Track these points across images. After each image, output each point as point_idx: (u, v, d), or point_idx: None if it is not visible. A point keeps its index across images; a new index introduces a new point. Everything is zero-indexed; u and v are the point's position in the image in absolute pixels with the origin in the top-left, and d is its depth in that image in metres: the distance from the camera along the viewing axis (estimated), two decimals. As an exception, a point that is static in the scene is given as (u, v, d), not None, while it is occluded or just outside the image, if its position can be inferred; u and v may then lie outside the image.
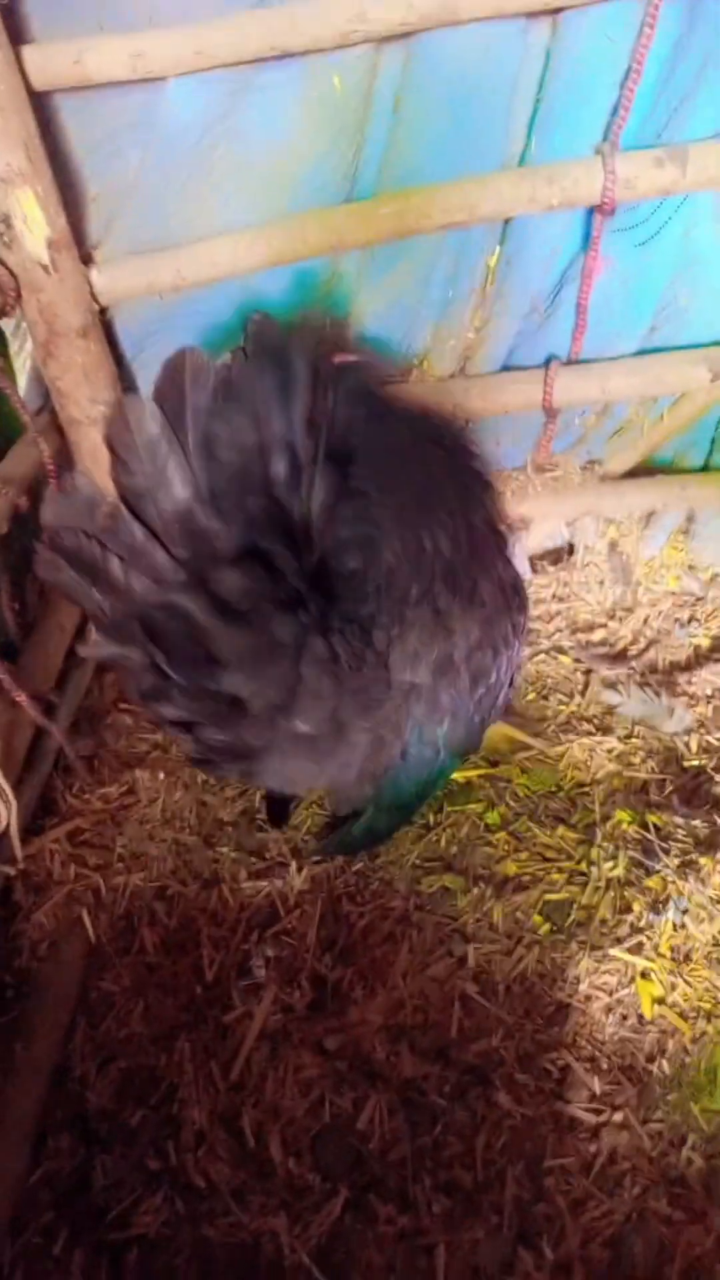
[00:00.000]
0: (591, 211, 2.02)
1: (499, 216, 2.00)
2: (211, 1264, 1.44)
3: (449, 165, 1.99)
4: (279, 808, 1.94)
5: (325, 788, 1.71)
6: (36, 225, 1.83)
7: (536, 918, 1.77)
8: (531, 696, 2.21)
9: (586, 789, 1.99)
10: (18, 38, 1.74)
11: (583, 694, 2.19)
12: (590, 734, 2.10)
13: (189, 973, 1.77)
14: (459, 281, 2.15)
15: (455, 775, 2.03)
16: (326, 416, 1.45)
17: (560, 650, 2.30)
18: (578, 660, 2.27)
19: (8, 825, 1.72)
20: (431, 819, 1.96)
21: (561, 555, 2.52)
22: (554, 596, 2.42)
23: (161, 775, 2.09)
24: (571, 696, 2.20)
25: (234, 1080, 1.62)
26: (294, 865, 1.89)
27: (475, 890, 1.82)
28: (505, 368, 2.29)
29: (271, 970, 1.75)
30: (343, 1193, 1.48)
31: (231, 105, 1.88)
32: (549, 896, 1.80)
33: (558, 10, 1.79)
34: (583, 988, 1.66)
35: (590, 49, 1.85)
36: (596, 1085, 1.55)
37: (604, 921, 1.74)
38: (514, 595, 1.68)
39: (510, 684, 1.69)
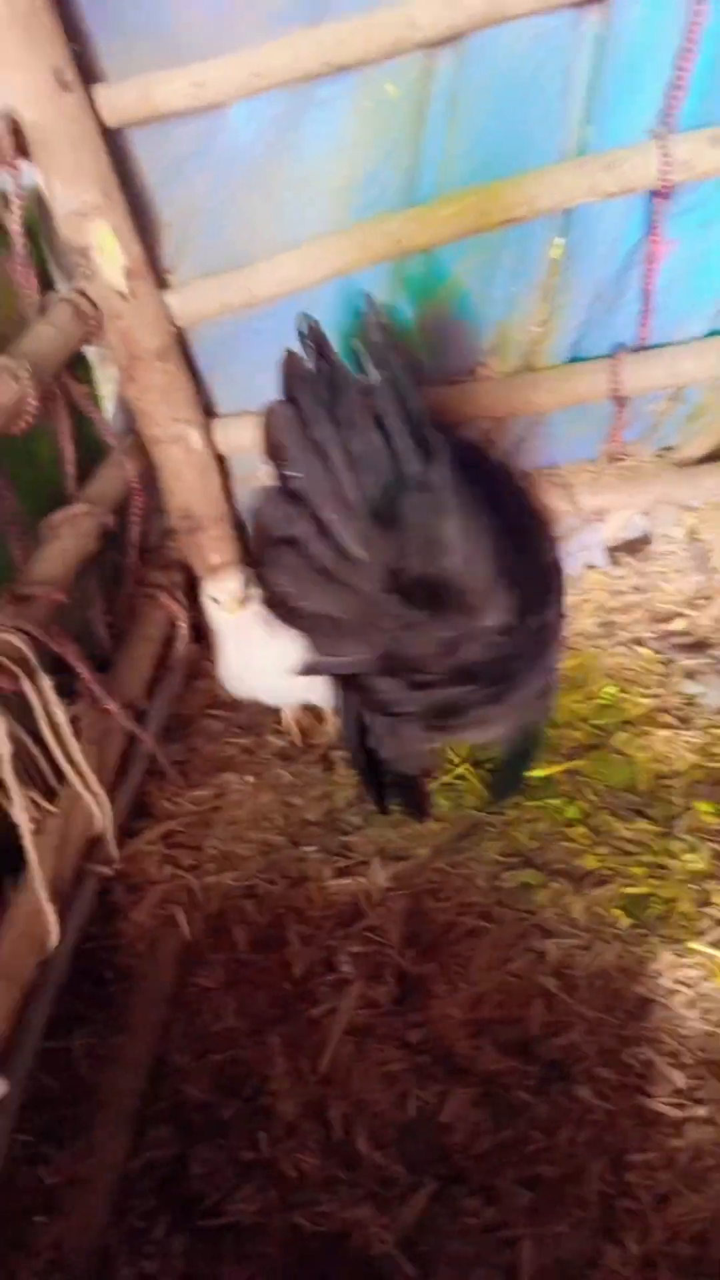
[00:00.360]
0: (652, 195, 1.99)
1: (558, 208, 1.99)
2: (303, 1251, 1.48)
3: (507, 161, 1.99)
4: (415, 795, 1.91)
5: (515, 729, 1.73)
6: (113, 255, 1.92)
7: (616, 911, 1.76)
8: (611, 689, 2.19)
9: (667, 781, 1.97)
10: (89, 78, 1.84)
11: (663, 686, 2.17)
12: (670, 726, 2.08)
13: (278, 969, 1.83)
14: (522, 276, 2.14)
15: (537, 771, 2.04)
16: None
17: (639, 642, 2.28)
18: (657, 651, 2.24)
19: (103, 828, 1.81)
20: (510, 814, 1.98)
21: (639, 546, 2.49)
22: (633, 588, 2.40)
23: (249, 778, 2.16)
24: (651, 689, 2.17)
25: (322, 1074, 1.67)
26: (377, 863, 1.93)
27: (554, 885, 1.82)
28: (572, 359, 2.27)
29: (357, 966, 1.80)
30: (428, 1185, 1.51)
31: (290, 123, 1.93)
32: (629, 890, 1.79)
33: (610, -4, 1.78)
34: (664, 982, 1.65)
35: (642, 31, 1.83)
36: (680, 1080, 1.54)
37: (685, 915, 1.73)
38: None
39: None
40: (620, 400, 2.27)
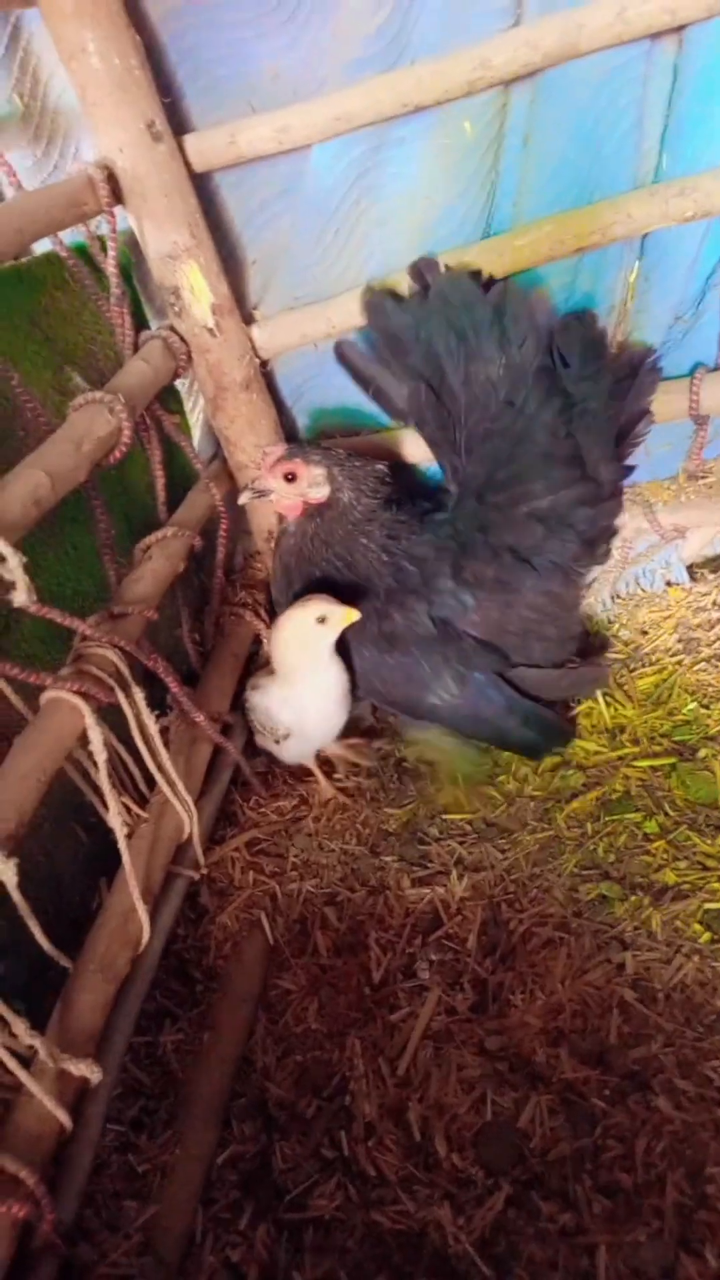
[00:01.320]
0: (730, 218, 2.02)
1: (633, 235, 2.04)
2: (382, 1247, 1.52)
3: (582, 190, 2.05)
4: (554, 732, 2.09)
5: None
6: (202, 294, 2.04)
7: (696, 926, 1.76)
8: (692, 706, 2.19)
9: (751, 797, 1.96)
10: (179, 128, 1.96)
11: (746, 700, 2.16)
12: (755, 741, 2.06)
13: (358, 974, 1.87)
14: (599, 301, 2.19)
15: (617, 786, 2.06)
16: None
17: (721, 659, 2.28)
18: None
19: (190, 833, 1.89)
20: (589, 827, 1.99)
21: (722, 563, 2.48)
22: (714, 604, 2.39)
23: (330, 789, 2.23)
24: (734, 703, 2.16)
25: (401, 1076, 1.70)
26: (454, 874, 1.97)
27: (633, 898, 1.83)
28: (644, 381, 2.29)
29: (435, 973, 1.83)
30: (505, 1188, 1.53)
31: (369, 163, 2.03)
32: (709, 906, 1.78)
33: (681, 27, 1.82)
34: (745, 997, 1.64)
35: (717, 60, 1.86)
36: (760, 1094, 1.53)
37: (766, 931, 1.72)
38: None
39: None
40: (700, 419, 2.29)
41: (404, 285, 2.11)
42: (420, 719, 2.07)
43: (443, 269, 2.05)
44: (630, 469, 2.11)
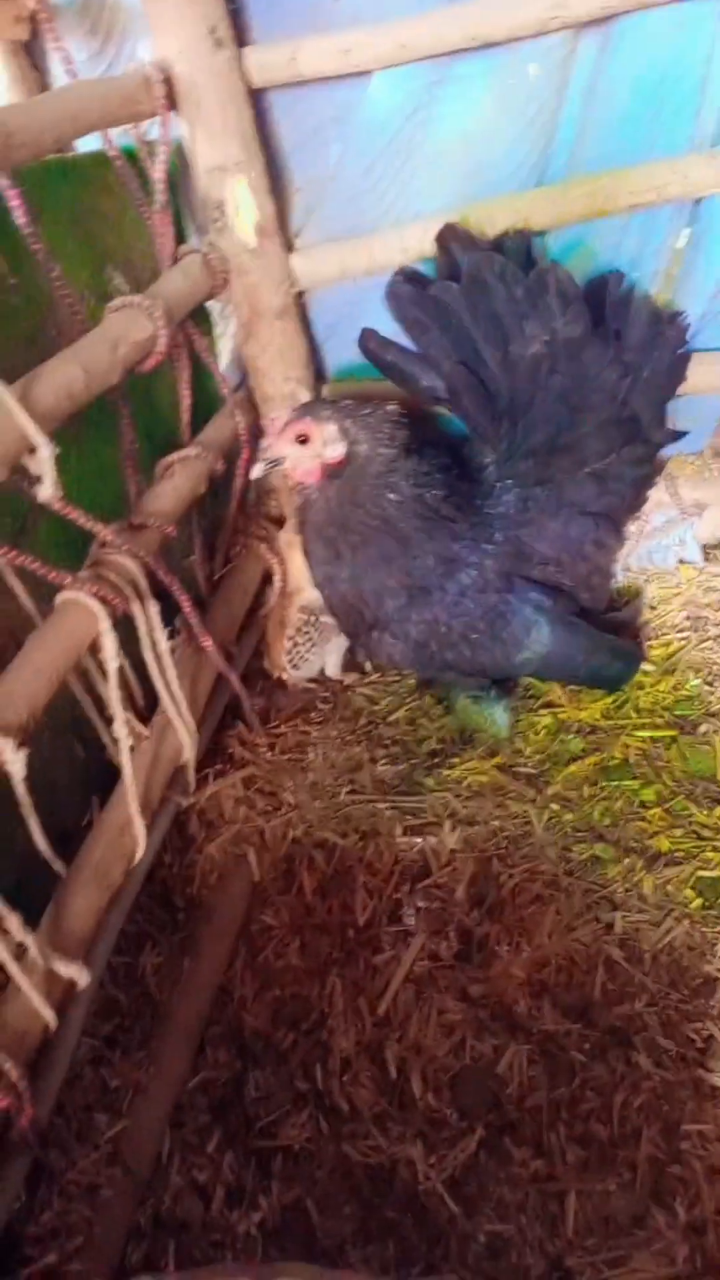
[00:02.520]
0: (787, 190, 1.99)
1: (687, 197, 2.01)
2: (350, 1180, 1.52)
3: (639, 148, 2.01)
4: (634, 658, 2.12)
5: None
6: (248, 211, 2.00)
7: (688, 892, 1.76)
8: (695, 682, 2.18)
9: (751, 773, 1.96)
10: (241, 39, 1.91)
11: (749, 679, 2.16)
12: (756, 720, 2.07)
13: (343, 915, 1.86)
14: (644, 264, 2.15)
15: (616, 753, 2.06)
16: None
17: (730, 637, 2.27)
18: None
19: (188, 758, 1.87)
20: (586, 790, 1.99)
21: (737, 544, 2.48)
22: (726, 585, 2.39)
23: (333, 733, 2.21)
24: (736, 682, 2.16)
25: (380, 1016, 1.70)
26: (448, 825, 1.96)
27: (626, 861, 1.83)
28: (690, 350, 2.27)
29: (421, 920, 1.83)
30: (478, 1131, 1.53)
31: (428, 97, 1.98)
32: (702, 874, 1.79)
33: (760, -11, 1.79)
34: (733, 963, 1.65)
35: (789, 25, 1.83)
36: (741, 1058, 1.54)
37: (759, 901, 1.72)
38: None
39: None
40: (735, 395, 2.27)
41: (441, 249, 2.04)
42: (502, 675, 2.05)
43: (472, 239, 2.00)
44: (683, 433, 2.12)
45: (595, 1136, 1.50)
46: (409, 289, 1.96)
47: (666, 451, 2.33)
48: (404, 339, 2.03)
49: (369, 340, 2.06)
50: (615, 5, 1.78)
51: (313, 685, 2.36)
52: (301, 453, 1.81)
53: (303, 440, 1.80)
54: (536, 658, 1.95)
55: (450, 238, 2.00)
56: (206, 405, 2.20)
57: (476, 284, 1.89)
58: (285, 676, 2.34)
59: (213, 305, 2.25)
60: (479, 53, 1.90)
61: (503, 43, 1.87)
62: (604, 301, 1.96)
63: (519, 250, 1.98)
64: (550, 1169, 1.48)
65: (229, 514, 2.27)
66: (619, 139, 2.01)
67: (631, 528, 2.41)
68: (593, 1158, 1.48)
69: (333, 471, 1.84)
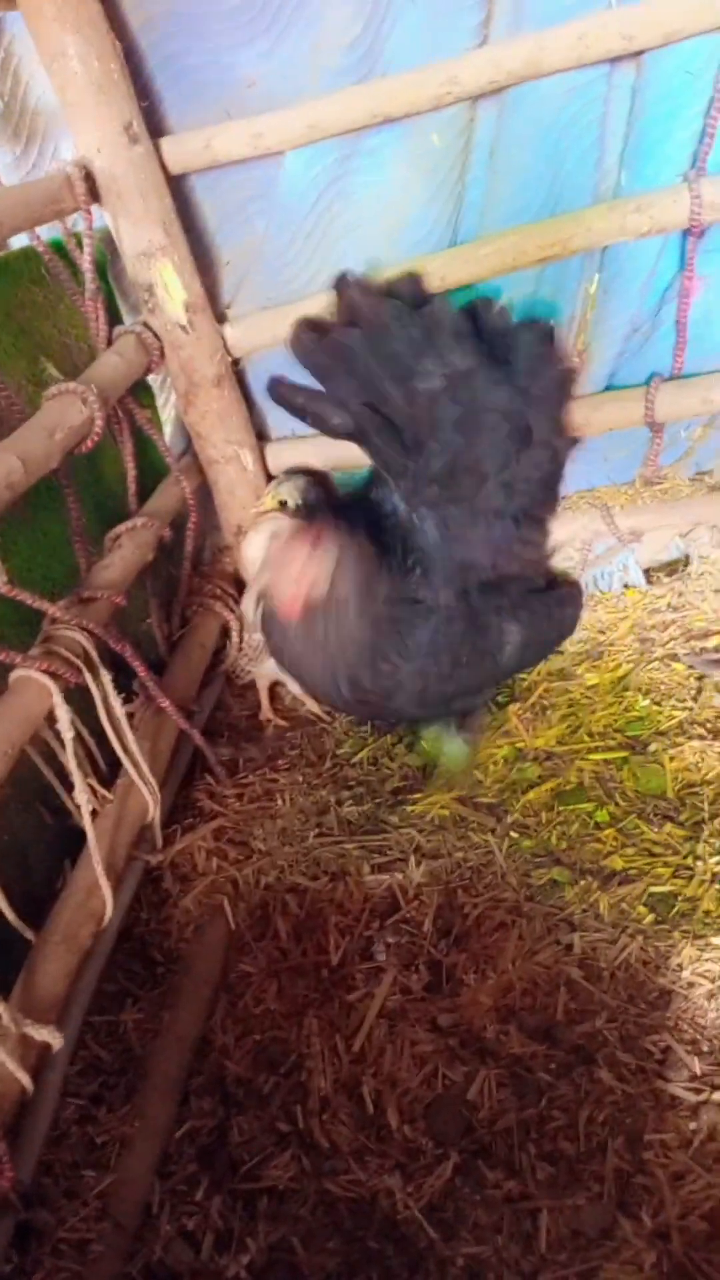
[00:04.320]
0: (686, 234, 2.11)
1: (592, 247, 2.12)
2: (333, 1215, 1.56)
3: (544, 204, 2.13)
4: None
5: None
6: (175, 292, 2.10)
7: (641, 909, 1.83)
8: (645, 703, 2.27)
9: (696, 789, 2.03)
10: (156, 130, 2.02)
11: (695, 700, 2.24)
12: (702, 737, 2.14)
13: (317, 957, 1.92)
14: (558, 310, 2.27)
15: (571, 778, 2.13)
16: None
17: (674, 658, 2.36)
18: (690, 667, 2.32)
19: (153, 817, 1.93)
20: (544, 816, 2.06)
21: (678, 567, 2.57)
22: (669, 606, 2.48)
23: (299, 778, 2.28)
24: (684, 702, 2.24)
25: (356, 1053, 1.75)
26: (413, 860, 2.02)
27: (583, 883, 1.90)
28: (609, 387, 2.38)
29: (392, 955, 1.88)
30: (453, 1157, 1.58)
31: (341, 170, 2.10)
32: (654, 889, 1.85)
33: (640, 52, 1.91)
34: (685, 974, 1.71)
35: (674, 84, 1.96)
36: (697, 1066, 1.59)
37: (708, 913, 1.79)
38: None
39: None
40: (655, 426, 2.38)
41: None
42: (492, 685, 2.09)
43: (367, 286, 1.94)
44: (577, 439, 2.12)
45: (563, 1153, 1.55)
46: (311, 336, 2.03)
47: (598, 483, 2.45)
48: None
49: (278, 387, 2.13)
50: (503, 80, 1.90)
51: (283, 725, 2.43)
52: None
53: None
54: (516, 649, 1.99)
55: (346, 285, 2.07)
56: (155, 471, 2.29)
57: (376, 327, 1.96)
58: (267, 718, 2.42)
59: (153, 378, 2.35)
60: (385, 126, 2.02)
61: (404, 118, 1.99)
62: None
63: (412, 291, 2.03)
64: (522, 1188, 1.53)
65: (183, 575, 2.35)
66: (524, 197, 2.13)
67: (575, 557, 2.52)
68: (561, 1174, 1.53)
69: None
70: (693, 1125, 1.54)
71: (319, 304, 2.20)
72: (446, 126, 2.03)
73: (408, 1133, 1.63)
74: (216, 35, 1.94)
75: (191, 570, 2.36)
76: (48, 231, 1.94)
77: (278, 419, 2.50)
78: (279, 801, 2.23)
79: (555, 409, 2.07)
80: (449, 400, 1.99)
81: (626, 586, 2.59)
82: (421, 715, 2.12)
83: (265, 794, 2.26)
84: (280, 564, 1.70)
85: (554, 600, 2.06)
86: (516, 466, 2.01)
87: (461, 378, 1.98)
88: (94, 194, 1.94)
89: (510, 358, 2.03)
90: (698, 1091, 1.57)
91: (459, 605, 1.96)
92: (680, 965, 1.73)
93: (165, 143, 2.01)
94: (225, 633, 2.42)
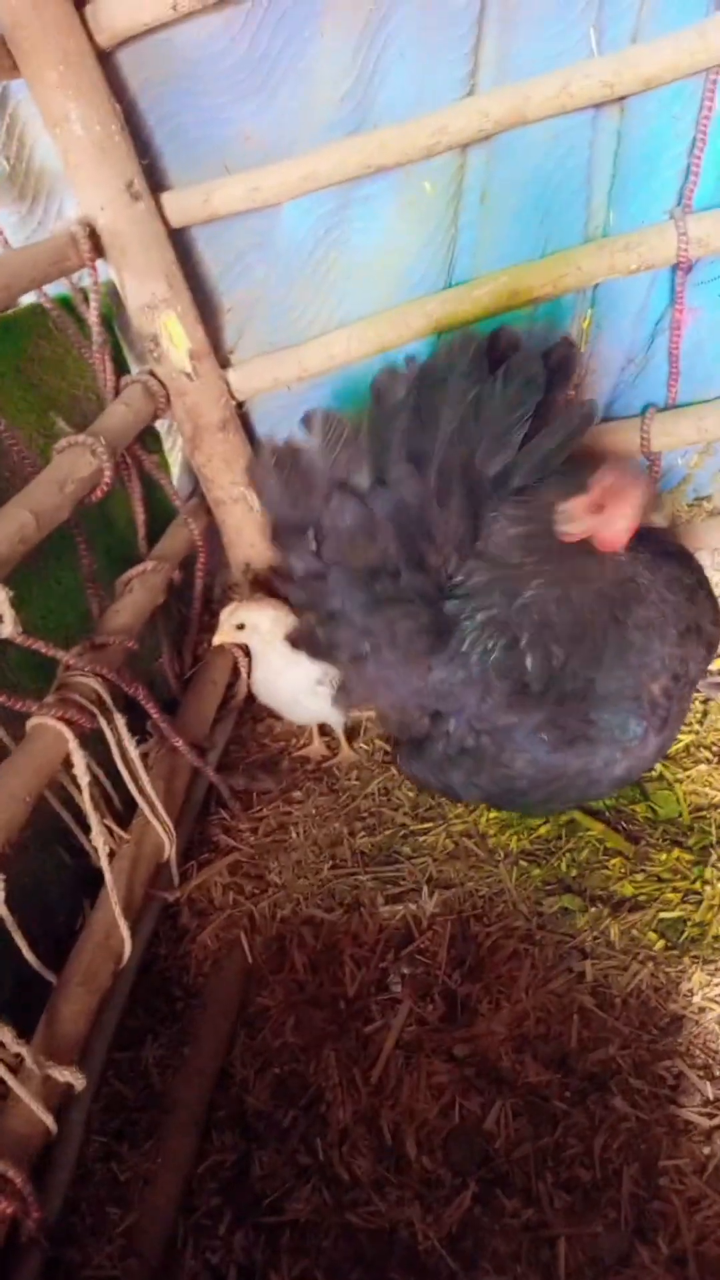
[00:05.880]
0: (675, 268, 2.15)
1: (582, 286, 2.17)
2: (355, 1246, 1.59)
3: (535, 245, 2.19)
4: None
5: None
6: (179, 341, 2.16)
7: (651, 935, 1.86)
8: (651, 727, 2.29)
9: (704, 813, 2.06)
10: (157, 186, 2.09)
11: (701, 723, 2.27)
12: (709, 761, 2.17)
13: (333, 989, 1.95)
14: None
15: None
16: None
17: (679, 682, 2.38)
18: (697, 690, 2.34)
19: (169, 855, 1.97)
20: (554, 845, 2.09)
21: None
22: (672, 632, 2.50)
23: (313, 810, 2.32)
24: (690, 726, 2.27)
25: (374, 1085, 1.78)
26: (426, 891, 2.05)
27: (593, 910, 1.92)
28: (606, 418, 2.43)
29: (407, 986, 1.91)
30: (471, 1187, 1.60)
31: (337, 219, 2.16)
32: (664, 915, 1.88)
33: (622, 98, 1.97)
34: (696, 1000, 1.73)
35: (658, 125, 2.01)
36: (710, 1091, 1.62)
37: (717, 937, 1.81)
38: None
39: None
40: (651, 456, 2.42)
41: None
42: None
43: (328, 422, 1.92)
44: None
45: (580, 1181, 1.57)
46: (270, 483, 1.96)
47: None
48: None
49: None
50: (490, 128, 1.96)
51: (302, 756, 2.47)
52: None
53: None
54: None
55: (313, 420, 1.95)
56: (163, 513, 2.35)
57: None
58: (322, 756, 2.47)
59: (160, 423, 2.41)
60: (378, 175, 2.08)
61: (397, 167, 2.05)
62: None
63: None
64: (540, 1217, 1.55)
65: (193, 614, 2.40)
66: (516, 238, 2.19)
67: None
68: (579, 1202, 1.55)
69: None
70: (706, 1150, 1.56)
71: (320, 348, 2.27)
72: (438, 173, 2.09)
73: (426, 1163, 1.65)
74: (213, 93, 2.00)
75: (201, 608, 2.41)
76: (54, 287, 2.01)
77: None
78: (293, 834, 2.27)
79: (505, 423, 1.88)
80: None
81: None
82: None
83: (279, 826, 2.30)
84: (618, 497, 1.57)
85: None
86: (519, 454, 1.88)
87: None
88: (98, 250, 2.01)
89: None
90: (711, 1116, 1.60)
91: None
92: (691, 991, 1.75)
93: (166, 198, 2.08)
94: (236, 669, 2.46)
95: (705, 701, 2.32)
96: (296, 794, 2.39)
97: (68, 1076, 1.45)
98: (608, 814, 2.13)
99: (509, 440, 1.79)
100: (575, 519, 1.59)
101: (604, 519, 1.57)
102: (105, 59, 1.92)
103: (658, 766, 2.20)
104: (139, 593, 2.01)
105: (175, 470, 2.53)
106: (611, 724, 1.71)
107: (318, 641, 1.95)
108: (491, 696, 1.76)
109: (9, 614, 1.47)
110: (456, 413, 1.79)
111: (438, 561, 1.85)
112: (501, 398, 1.78)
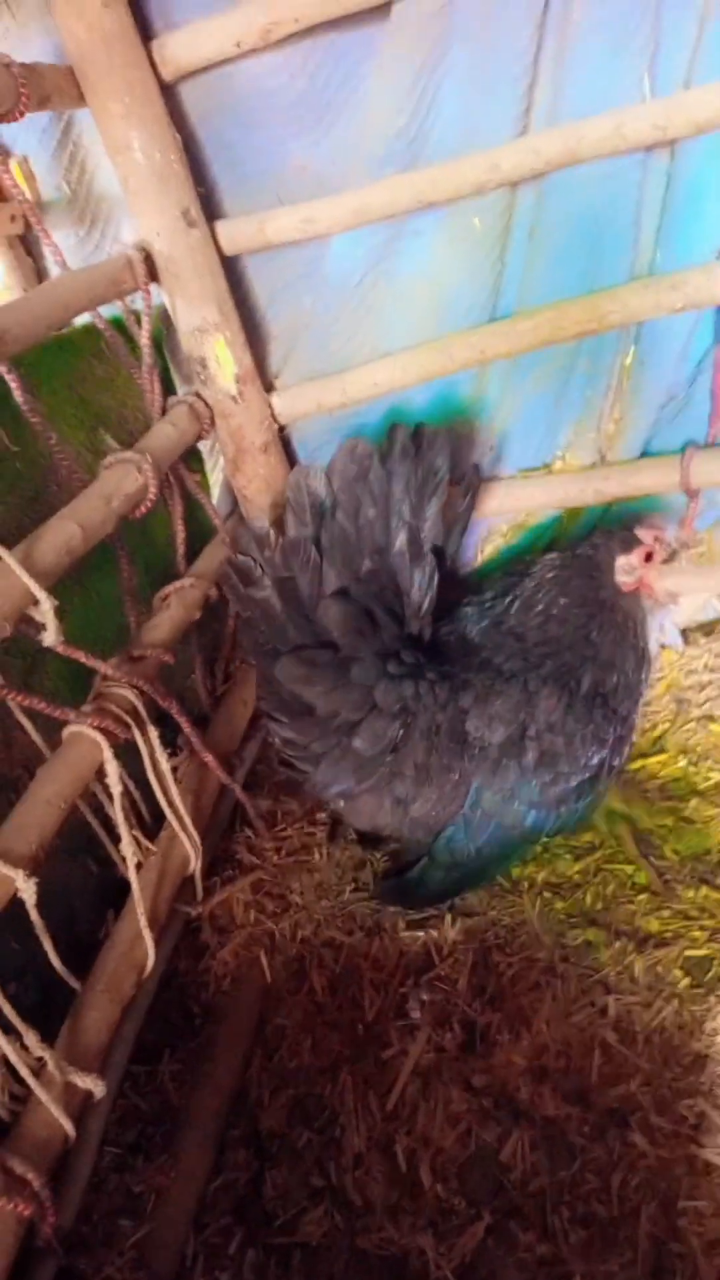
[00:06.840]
0: (719, 309, 2.17)
1: (628, 323, 2.19)
2: (366, 1272, 1.58)
3: (581, 281, 2.21)
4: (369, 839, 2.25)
5: (380, 824, 2.01)
6: (227, 365, 2.20)
7: (677, 972, 1.84)
8: (682, 764, 2.29)
9: (732, 851, 2.05)
10: (211, 215, 2.14)
11: (731, 762, 2.26)
12: (738, 800, 2.16)
13: (352, 1012, 1.95)
14: (596, 381, 2.34)
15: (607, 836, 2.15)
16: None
17: (711, 718, 2.38)
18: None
19: (195, 870, 1.98)
20: (578, 878, 2.08)
21: (714, 628, 2.60)
22: (705, 666, 2.50)
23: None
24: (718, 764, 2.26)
25: (389, 1110, 1.77)
26: (448, 918, 2.05)
27: (618, 944, 1.91)
28: (645, 454, 2.44)
29: (426, 1013, 1.91)
30: (485, 1218, 1.59)
31: (386, 251, 2.20)
32: (690, 953, 1.86)
33: (673, 141, 2.00)
34: (720, 1040, 1.72)
35: (706, 168, 2.03)
36: (732, 1133, 1.60)
37: (743, 978, 1.80)
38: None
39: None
40: (691, 492, 2.42)
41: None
42: None
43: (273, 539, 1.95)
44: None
45: (597, 1217, 1.55)
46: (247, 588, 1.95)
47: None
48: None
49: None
50: (542, 167, 1.99)
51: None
52: None
53: None
54: None
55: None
56: (203, 532, 2.38)
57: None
58: None
59: (202, 444, 2.45)
60: (429, 210, 2.12)
61: (447, 203, 2.09)
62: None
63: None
64: (555, 1251, 1.53)
65: (227, 632, 2.43)
66: (562, 274, 2.21)
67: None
68: (595, 1238, 1.53)
69: None
70: (727, 1193, 1.54)
71: (364, 376, 2.30)
72: (487, 210, 2.13)
73: (440, 1192, 1.64)
74: (270, 126, 2.06)
75: (235, 628, 2.44)
76: (107, 309, 2.06)
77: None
78: (316, 855, 2.27)
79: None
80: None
81: (663, 647, 2.62)
82: None
83: (303, 847, 2.30)
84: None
85: None
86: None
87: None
88: (153, 274, 2.05)
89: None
90: (732, 1159, 1.57)
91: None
92: (716, 1030, 1.74)
93: (220, 226, 2.13)
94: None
95: (736, 741, 2.31)
96: (320, 815, 2.40)
97: (89, 1083, 1.46)
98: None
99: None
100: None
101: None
102: (168, 91, 1.97)
103: (689, 803, 2.19)
104: (176, 608, 2.04)
105: (215, 490, 2.56)
106: None
107: None
108: None
109: (53, 623, 1.49)
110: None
111: None
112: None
